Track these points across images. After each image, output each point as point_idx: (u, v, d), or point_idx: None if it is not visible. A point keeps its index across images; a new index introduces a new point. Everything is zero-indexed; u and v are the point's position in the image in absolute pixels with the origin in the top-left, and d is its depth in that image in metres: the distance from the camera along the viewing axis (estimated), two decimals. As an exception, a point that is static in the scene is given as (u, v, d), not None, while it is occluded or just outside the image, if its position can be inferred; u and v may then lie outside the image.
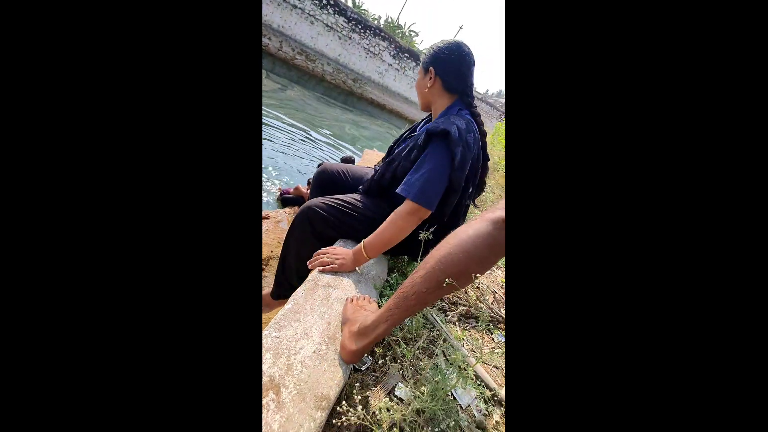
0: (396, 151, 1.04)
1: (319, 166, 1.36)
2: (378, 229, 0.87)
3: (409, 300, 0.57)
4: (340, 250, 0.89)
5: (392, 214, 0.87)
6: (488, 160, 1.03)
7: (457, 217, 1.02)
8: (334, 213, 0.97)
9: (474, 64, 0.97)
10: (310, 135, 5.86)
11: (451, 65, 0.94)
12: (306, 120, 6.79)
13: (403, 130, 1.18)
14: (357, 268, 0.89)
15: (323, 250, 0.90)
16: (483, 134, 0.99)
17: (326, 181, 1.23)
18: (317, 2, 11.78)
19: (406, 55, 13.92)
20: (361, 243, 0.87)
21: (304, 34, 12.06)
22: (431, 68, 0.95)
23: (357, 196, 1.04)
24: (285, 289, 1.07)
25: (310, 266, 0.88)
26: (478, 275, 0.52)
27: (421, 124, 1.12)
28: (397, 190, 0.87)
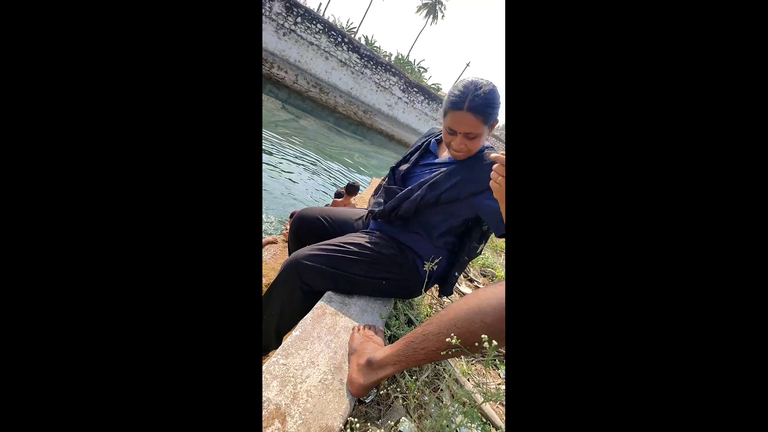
0: (417, 178, 0.98)
1: (291, 215, 1.24)
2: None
3: (418, 353, 0.56)
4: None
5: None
6: None
7: (463, 246, 0.98)
8: (327, 262, 0.86)
9: None
10: (320, 163, 6.01)
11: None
12: (317, 148, 7.00)
13: (405, 153, 1.11)
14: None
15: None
16: None
17: (304, 230, 1.10)
18: (333, 40, 12.53)
19: (415, 89, 14.51)
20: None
21: (319, 68, 12.72)
22: (496, 119, 0.87)
23: (349, 237, 0.96)
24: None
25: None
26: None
27: (429, 144, 1.05)
28: (499, 234, 0.82)
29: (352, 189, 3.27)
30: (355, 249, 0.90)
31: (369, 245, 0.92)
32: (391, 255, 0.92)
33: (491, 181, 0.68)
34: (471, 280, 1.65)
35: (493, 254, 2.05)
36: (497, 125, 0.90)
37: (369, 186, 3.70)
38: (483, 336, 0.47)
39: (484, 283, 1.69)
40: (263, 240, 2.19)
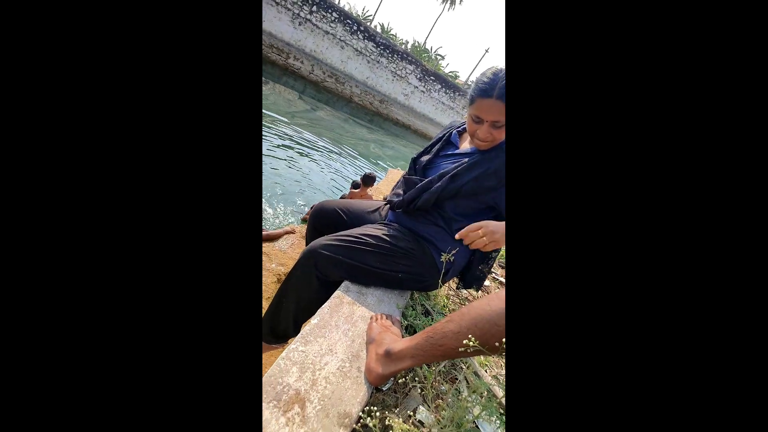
0: (438, 168, 0.97)
1: (312, 207, 1.24)
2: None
3: (436, 350, 0.56)
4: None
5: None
6: None
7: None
8: (343, 252, 0.86)
9: None
10: (336, 153, 6.03)
11: None
12: (334, 139, 7.02)
13: (427, 145, 1.09)
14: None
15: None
16: None
17: (323, 222, 1.12)
18: (348, 28, 12.39)
19: (431, 77, 14.22)
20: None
21: (335, 58, 12.65)
22: None
23: (366, 228, 0.95)
24: (279, 337, 0.97)
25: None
26: None
27: (450, 135, 1.04)
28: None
29: (368, 180, 3.27)
30: (372, 241, 0.89)
31: (386, 237, 0.91)
32: (407, 248, 0.91)
33: (480, 242, 0.79)
34: (490, 272, 1.63)
35: None
36: None
37: (385, 177, 3.69)
38: (503, 339, 0.47)
39: (503, 275, 1.67)
40: (282, 230, 2.23)
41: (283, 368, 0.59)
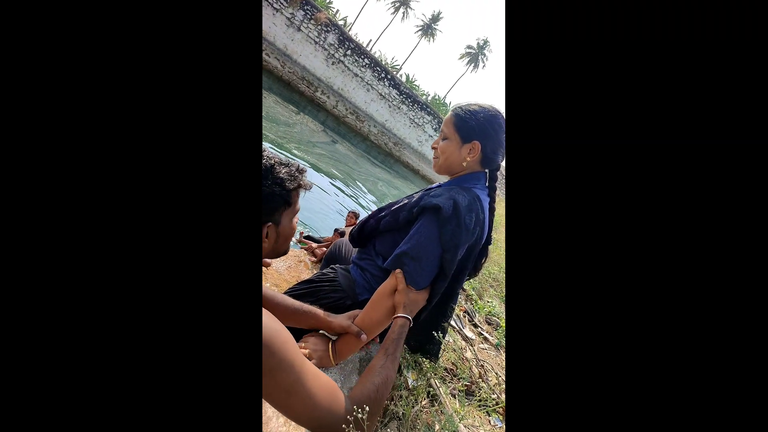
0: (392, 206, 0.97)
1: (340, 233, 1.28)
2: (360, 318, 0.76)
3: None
4: (315, 341, 0.78)
5: (374, 294, 0.78)
6: (490, 243, 0.92)
7: (445, 305, 0.91)
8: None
9: None
10: (344, 187, 6.26)
11: (498, 143, 0.84)
12: (346, 173, 7.31)
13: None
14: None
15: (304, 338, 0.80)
16: (492, 211, 0.90)
17: (330, 255, 1.19)
18: (376, 74, 13.32)
19: (447, 130, 14.99)
20: (330, 345, 0.77)
21: (359, 98, 13.46)
22: (476, 141, 0.83)
23: (324, 271, 0.97)
24: None
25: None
26: None
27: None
28: (385, 264, 0.80)
29: (341, 234, 3.15)
30: (302, 285, 0.92)
31: (316, 277, 0.92)
32: (331, 278, 0.92)
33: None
34: (475, 326, 1.69)
35: (500, 303, 2.08)
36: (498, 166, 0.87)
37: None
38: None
39: (488, 331, 1.72)
40: (330, 237, 2.13)
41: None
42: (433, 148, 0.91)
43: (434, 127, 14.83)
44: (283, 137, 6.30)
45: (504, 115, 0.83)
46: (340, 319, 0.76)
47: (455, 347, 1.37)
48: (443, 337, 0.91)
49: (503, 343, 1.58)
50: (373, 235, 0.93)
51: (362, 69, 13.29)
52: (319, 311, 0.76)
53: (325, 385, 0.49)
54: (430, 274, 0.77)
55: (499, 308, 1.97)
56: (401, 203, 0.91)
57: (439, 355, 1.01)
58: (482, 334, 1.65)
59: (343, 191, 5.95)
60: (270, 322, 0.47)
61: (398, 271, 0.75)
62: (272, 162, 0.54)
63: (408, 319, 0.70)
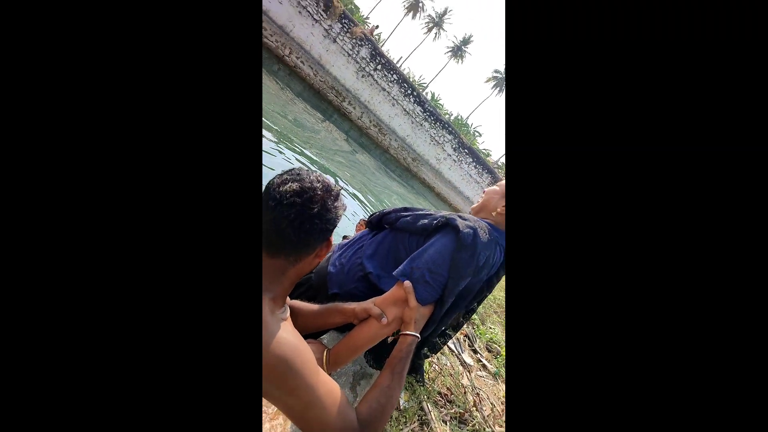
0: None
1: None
2: (349, 335, 0.75)
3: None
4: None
5: (378, 301, 0.75)
6: (489, 292, 0.91)
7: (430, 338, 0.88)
8: None
9: None
10: (358, 196, 6.38)
11: None
12: (363, 182, 7.45)
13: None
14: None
15: None
16: (498, 273, 0.88)
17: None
18: (403, 90, 13.59)
19: (466, 150, 15.08)
20: (324, 354, 0.75)
21: (384, 112, 13.73)
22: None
23: None
24: None
25: None
26: None
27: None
28: (396, 272, 0.77)
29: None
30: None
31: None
32: (307, 277, 0.93)
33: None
34: (475, 351, 1.71)
35: (503, 331, 2.09)
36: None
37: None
38: None
39: (487, 358, 1.74)
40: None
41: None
42: (483, 191, 0.93)
43: (453, 146, 14.94)
44: (307, 142, 6.49)
45: None
46: (362, 305, 0.75)
47: (452, 371, 1.40)
48: (430, 354, 0.91)
49: (502, 372, 1.60)
50: (386, 226, 0.92)
51: (390, 84, 13.58)
52: (339, 303, 0.76)
53: (339, 401, 0.53)
54: (437, 292, 0.76)
55: (501, 335, 1.99)
56: (425, 211, 0.90)
57: (423, 371, 1.01)
58: (481, 361, 1.67)
59: (357, 197, 6.06)
60: (292, 340, 0.50)
61: (408, 284, 0.73)
62: (323, 195, 0.54)
63: (417, 336, 0.72)
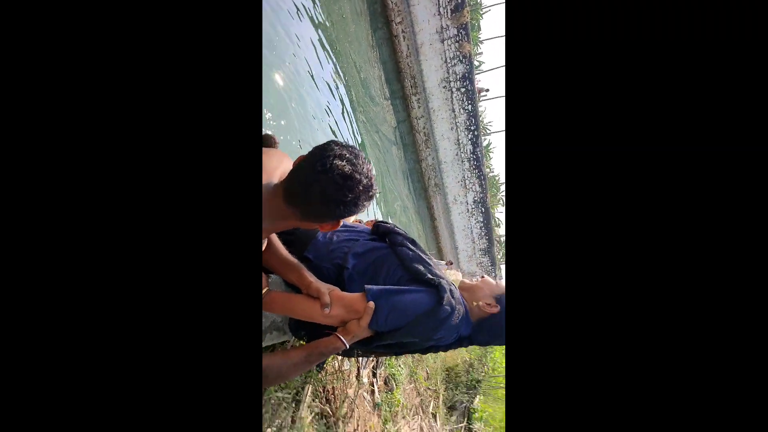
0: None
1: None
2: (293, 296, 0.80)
3: None
4: None
5: (341, 297, 0.79)
6: (424, 353, 0.96)
7: None
8: None
9: None
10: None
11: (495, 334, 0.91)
12: (381, 173, 7.41)
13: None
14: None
15: None
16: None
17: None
18: (468, 123, 13.61)
19: (482, 210, 15.16)
20: (264, 291, 0.78)
21: (440, 128, 13.71)
22: (498, 307, 0.89)
23: None
24: None
25: None
26: None
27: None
28: (368, 287, 0.80)
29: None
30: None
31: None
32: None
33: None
34: (374, 375, 1.69)
35: (408, 373, 2.06)
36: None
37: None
38: None
39: (380, 388, 1.72)
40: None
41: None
42: (482, 277, 1.00)
43: (475, 199, 15.01)
44: (360, 105, 6.45)
45: None
46: (321, 285, 0.78)
47: (346, 378, 1.38)
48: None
49: (384, 410, 1.58)
50: (387, 241, 0.96)
51: (461, 110, 13.59)
52: (304, 269, 0.80)
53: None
54: (386, 328, 0.80)
55: (405, 378, 1.97)
56: (428, 258, 0.93)
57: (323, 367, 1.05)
58: (373, 387, 1.65)
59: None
60: None
61: (371, 306, 0.76)
62: (362, 190, 0.58)
63: (346, 346, 0.75)
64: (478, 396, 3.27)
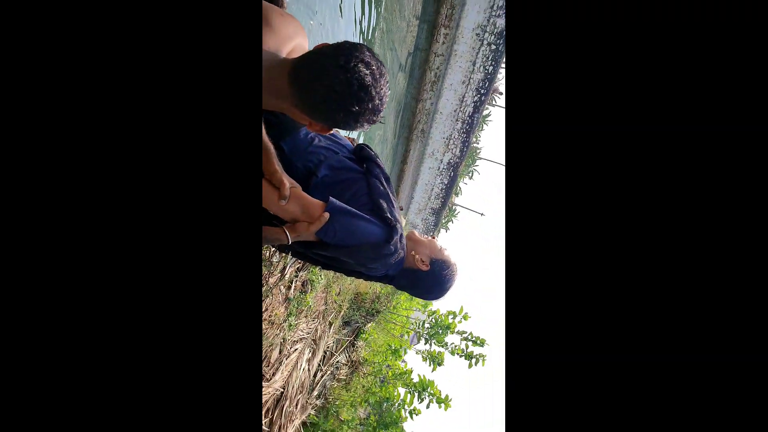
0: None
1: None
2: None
3: None
4: None
5: (303, 197, 0.79)
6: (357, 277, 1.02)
7: None
8: None
9: None
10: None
11: (425, 290, 1.02)
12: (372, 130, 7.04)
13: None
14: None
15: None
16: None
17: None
18: (462, 142, 13.02)
19: (452, 172, 15.46)
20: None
21: (437, 132, 12.94)
22: (429, 266, 0.96)
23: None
24: None
25: None
26: None
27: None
28: (329, 200, 0.80)
29: None
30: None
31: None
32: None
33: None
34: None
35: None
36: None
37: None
38: None
39: (298, 288, 1.88)
40: None
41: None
42: (432, 237, 1.00)
43: (450, 160, 15.13)
44: (387, 9, 5.73)
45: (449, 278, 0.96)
46: (285, 177, 0.78)
47: (271, 268, 1.49)
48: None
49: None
50: (364, 166, 0.95)
51: (481, 67, 12.83)
52: (275, 157, 0.77)
53: None
54: (333, 241, 0.83)
55: (321, 287, 2.15)
56: (394, 199, 0.94)
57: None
58: (290, 284, 1.80)
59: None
60: None
61: (326, 216, 0.78)
62: (370, 108, 0.52)
63: (288, 243, 0.79)
64: (372, 323, 3.76)
